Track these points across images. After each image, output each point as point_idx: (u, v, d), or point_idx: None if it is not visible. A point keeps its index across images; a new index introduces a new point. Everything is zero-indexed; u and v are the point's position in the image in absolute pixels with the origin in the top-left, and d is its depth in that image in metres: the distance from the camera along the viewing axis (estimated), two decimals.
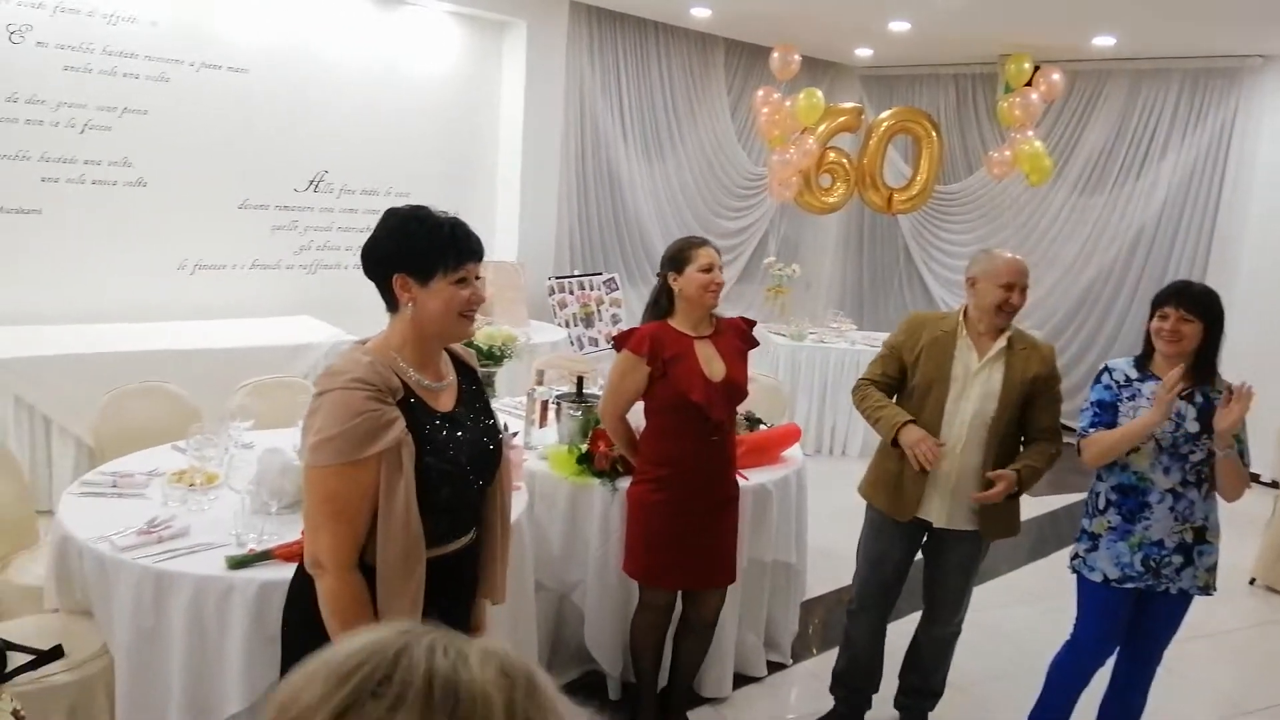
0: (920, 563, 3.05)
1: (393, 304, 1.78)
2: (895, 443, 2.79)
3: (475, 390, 1.95)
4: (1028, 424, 2.86)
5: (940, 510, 2.87)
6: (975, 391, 2.81)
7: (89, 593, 2.32)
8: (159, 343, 4.61)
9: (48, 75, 4.82)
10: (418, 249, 1.74)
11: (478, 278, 1.81)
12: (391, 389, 1.69)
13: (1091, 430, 2.73)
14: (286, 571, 1.93)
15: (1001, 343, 2.82)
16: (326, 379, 1.68)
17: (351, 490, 1.64)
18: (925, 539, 2.99)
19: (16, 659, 2.21)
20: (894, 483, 2.89)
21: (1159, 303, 2.68)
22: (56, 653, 2.27)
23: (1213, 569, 2.75)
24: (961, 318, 2.88)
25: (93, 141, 5.02)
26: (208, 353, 4.63)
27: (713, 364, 2.79)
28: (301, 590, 1.84)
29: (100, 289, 5.13)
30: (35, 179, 4.86)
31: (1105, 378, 2.78)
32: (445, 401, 1.82)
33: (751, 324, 3.01)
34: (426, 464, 1.71)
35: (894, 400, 2.93)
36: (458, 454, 1.78)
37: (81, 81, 4.93)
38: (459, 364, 1.94)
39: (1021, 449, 2.90)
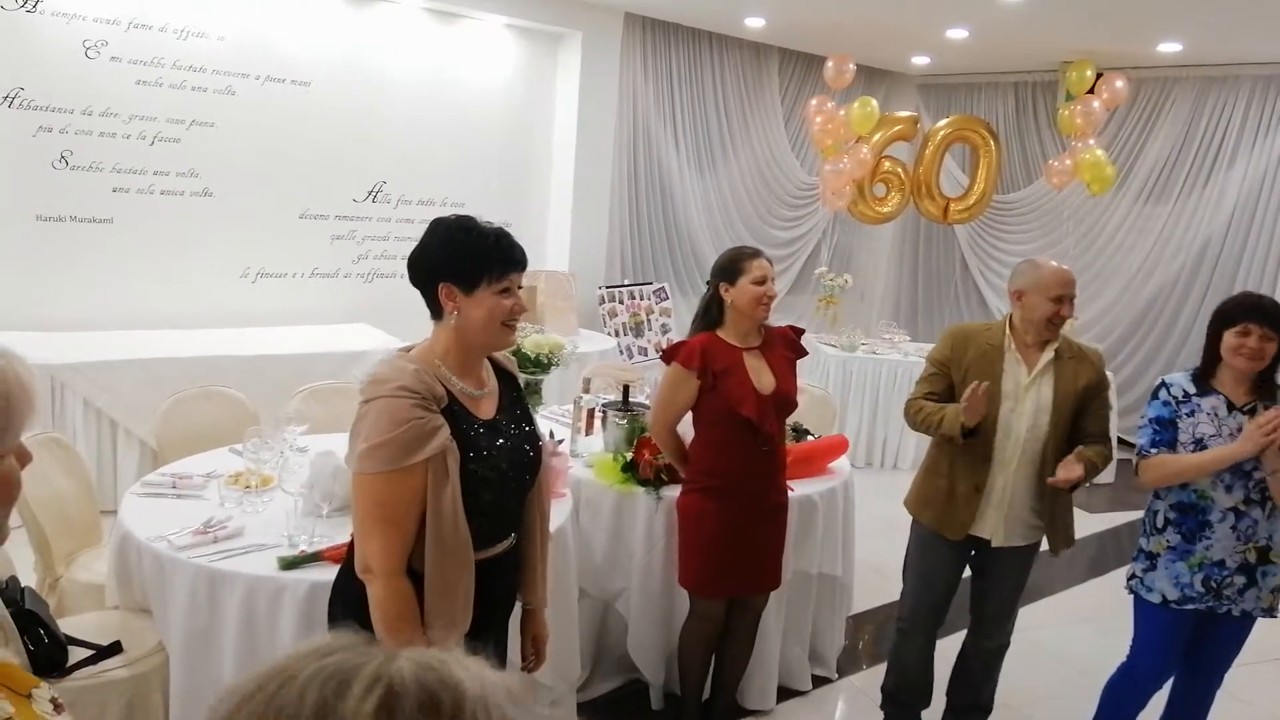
0: (965, 575, 3.00)
1: (437, 312, 1.81)
2: (970, 432, 2.66)
3: (516, 397, 1.98)
4: (1078, 431, 2.80)
5: (994, 527, 2.81)
6: (1027, 407, 2.75)
7: (147, 590, 2.40)
8: (222, 348, 4.76)
9: (121, 89, 5.01)
10: (463, 258, 1.77)
11: (520, 287, 1.84)
12: (436, 396, 1.72)
13: (1152, 450, 2.62)
14: (335, 573, 1.98)
15: (1049, 354, 2.76)
16: (373, 387, 1.71)
17: (399, 496, 1.67)
18: (973, 554, 2.93)
19: (77, 654, 2.29)
20: (945, 500, 2.83)
21: (1236, 318, 2.55)
22: (115, 648, 2.35)
23: (1278, 590, 2.65)
24: (1008, 329, 2.81)
25: (162, 153, 5.20)
26: (268, 359, 4.76)
27: (762, 376, 2.78)
28: (344, 589, 1.89)
29: (166, 296, 5.31)
30: (107, 189, 5.06)
31: (1163, 393, 2.68)
32: (487, 409, 1.85)
33: (800, 332, 2.99)
34: (470, 470, 1.74)
35: None
36: (499, 460, 1.80)
37: (152, 95, 5.12)
38: (500, 371, 1.97)
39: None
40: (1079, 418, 2.79)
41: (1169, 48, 6.49)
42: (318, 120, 5.71)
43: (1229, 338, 2.55)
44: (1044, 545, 2.91)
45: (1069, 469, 2.63)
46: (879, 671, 3.24)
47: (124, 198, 5.11)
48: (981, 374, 2.75)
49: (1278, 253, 6.73)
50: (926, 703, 3.11)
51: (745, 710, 3.26)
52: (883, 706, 3.16)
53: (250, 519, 2.55)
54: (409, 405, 1.67)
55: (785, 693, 3.40)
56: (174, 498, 2.70)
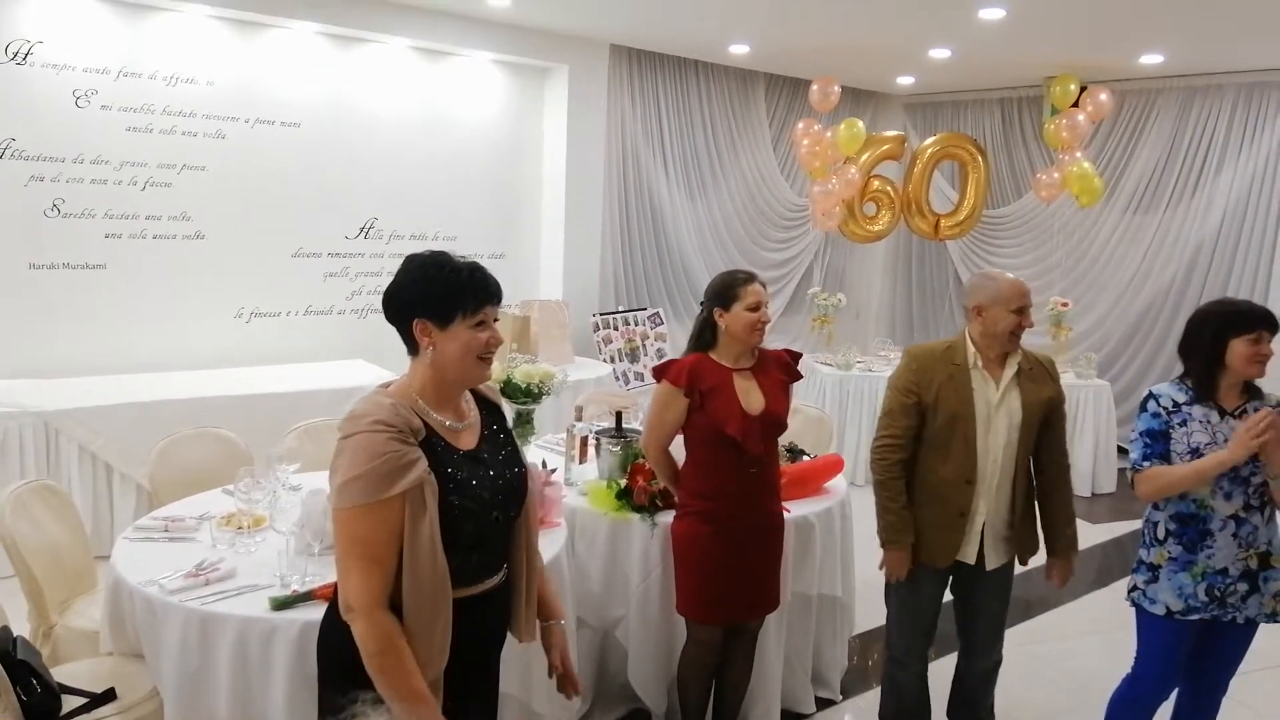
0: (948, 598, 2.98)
1: (413, 348, 1.82)
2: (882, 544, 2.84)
3: (499, 427, 1.98)
4: (1041, 445, 2.81)
5: (986, 552, 2.80)
6: (1001, 424, 2.74)
7: (140, 635, 2.39)
8: (216, 389, 4.77)
9: (111, 136, 5.07)
10: (437, 294, 1.78)
11: (496, 320, 1.85)
12: (413, 429, 1.72)
13: (1146, 464, 2.61)
14: None
15: (1013, 369, 2.76)
16: (350, 423, 1.72)
17: (377, 531, 1.67)
18: (951, 577, 2.91)
19: (71, 702, 2.28)
20: (928, 529, 2.80)
21: (1248, 325, 2.53)
22: (109, 695, 2.34)
23: (1278, 595, 2.64)
24: (971, 348, 2.78)
25: (154, 198, 5.24)
26: (263, 398, 4.77)
27: (751, 396, 2.77)
28: (330, 630, 1.88)
29: (161, 339, 5.34)
30: (100, 235, 5.10)
31: (1152, 405, 2.66)
32: (467, 440, 1.85)
33: (796, 357, 2.97)
34: (450, 502, 1.73)
35: (918, 445, 2.82)
36: (480, 490, 1.80)
37: (143, 141, 5.17)
38: (484, 401, 1.98)
39: (1035, 480, 2.87)
40: (1043, 430, 2.80)
41: (1151, 59, 6.55)
42: (308, 160, 5.76)
43: (1241, 345, 2.52)
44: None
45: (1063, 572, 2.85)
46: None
47: (117, 243, 5.15)
48: (953, 398, 2.73)
49: (1268, 258, 6.76)
50: None
51: None
52: None
53: (242, 560, 2.54)
54: (384, 439, 1.67)
55: (789, 716, 3.36)
56: (166, 541, 2.69)
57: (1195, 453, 2.55)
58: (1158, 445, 2.61)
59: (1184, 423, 2.59)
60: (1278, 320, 2.57)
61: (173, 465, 3.39)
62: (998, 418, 2.75)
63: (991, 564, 2.81)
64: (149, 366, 5.20)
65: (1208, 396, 2.59)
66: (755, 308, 2.75)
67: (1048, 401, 2.78)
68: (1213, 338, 2.57)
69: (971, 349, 2.77)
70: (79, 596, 2.94)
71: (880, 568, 2.89)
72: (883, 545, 2.85)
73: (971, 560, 2.80)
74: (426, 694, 1.70)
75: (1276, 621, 2.65)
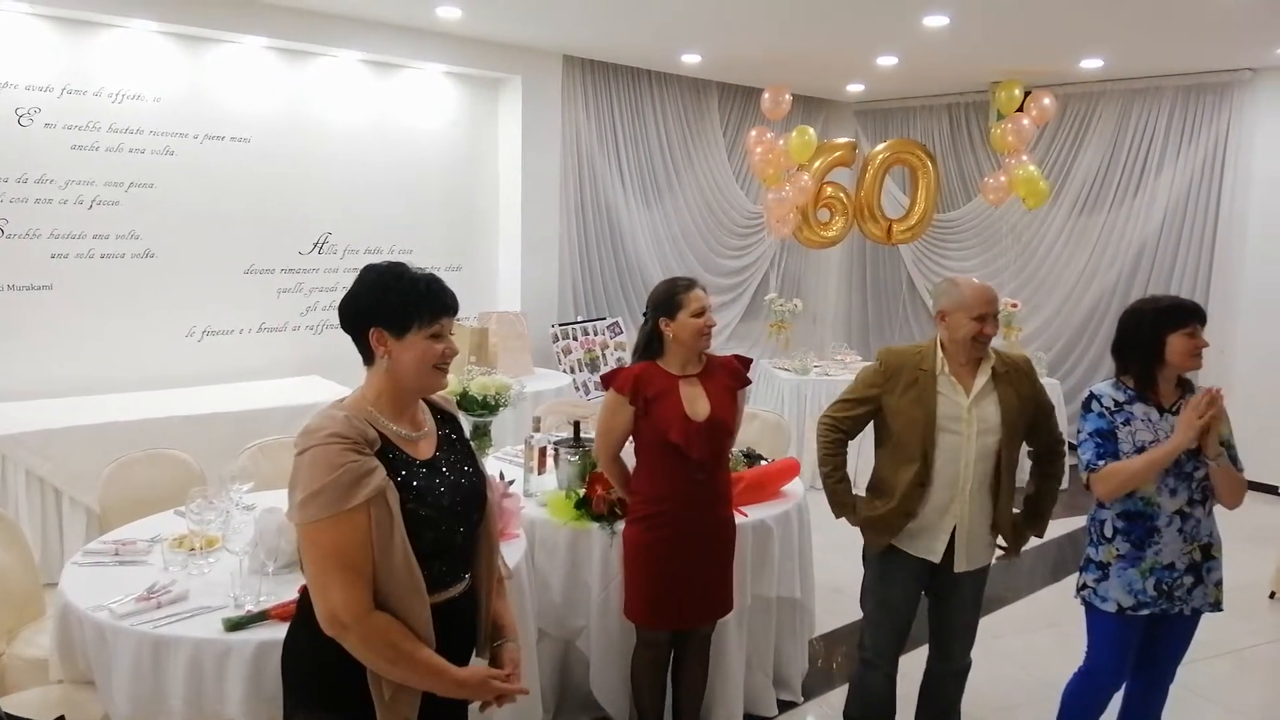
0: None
1: (369, 357, 1.83)
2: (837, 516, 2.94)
3: (456, 437, 1.99)
4: (1034, 441, 2.84)
5: (957, 552, 2.80)
6: (973, 430, 2.72)
7: (90, 662, 2.34)
8: (168, 409, 4.69)
9: (56, 155, 4.98)
10: (393, 304, 1.79)
11: (452, 333, 1.86)
12: (368, 440, 1.73)
13: (1100, 463, 2.63)
14: (283, 631, 1.95)
15: (986, 374, 2.75)
16: (304, 438, 1.72)
17: (349, 541, 1.67)
18: (930, 577, 2.91)
19: None
20: (895, 521, 2.81)
21: (1182, 320, 2.59)
22: None
23: (1219, 584, 2.72)
24: (940, 353, 2.78)
25: (101, 216, 5.16)
26: (218, 417, 4.70)
27: (697, 403, 2.79)
28: (297, 649, 1.86)
29: (111, 360, 5.24)
30: (46, 255, 5.00)
31: (1096, 405, 2.68)
32: (424, 449, 1.86)
33: (746, 363, 2.98)
34: (409, 510, 1.74)
35: (878, 447, 2.90)
36: (440, 498, 1.81)
37: (89, 159, 5.09)
38: (440, 412, 1.98)
39: (1029, 474, 2.92)
40: (1031, 428, 2.81)
41: (1091, 64, 6.72)
42: (259, 175, 5.71)
43: (1178, 341, 2.57)
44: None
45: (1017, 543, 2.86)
46: (845, 692, 3.24)
47: (63, 263, 5.06)
48: (915, 404, 2.74)
49: (1208, 255, 6.95)
50: None
51: None
52: None
53: (195, 582, 2.51)
54: (340, 450, 1.68)
55: (751, 718, 3.39)
56: (116, 565, 2.65)
57: (1140, 451, 2.59)
58: (1109, 444, 2.63)
59: (1127, 421, 2.63)
60: (1204, 311, 2.65)
61: (123, 488, 3.34)
62: (970, 425, 2.72)
63: (960, 566, 2.81)
64: (98, 388, 5.10)
65: (1149, 393, 2.63)
66: (700, 313, 2.77)
67: (1028, 401, 2.78)
68: (1150, 336, 2.61)
69: (940, 355, 2.77)
70: (27, 624, 2.88)
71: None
72: (836, 517, 2.95)
73: (937, 560, 2.81)
74: (443, 664, 1.76)
75: (1219, 610, 2.72)
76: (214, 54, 5.49)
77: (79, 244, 5.10)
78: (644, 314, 2.92)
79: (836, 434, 2.91)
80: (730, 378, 2.92)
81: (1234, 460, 2.64)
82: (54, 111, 4.96)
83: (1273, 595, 4.71)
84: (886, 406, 2.81)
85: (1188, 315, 2.60)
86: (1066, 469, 2.93)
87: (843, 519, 2.95)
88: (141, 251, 5.32)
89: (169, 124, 5.34)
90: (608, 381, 2.87)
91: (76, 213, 5.08)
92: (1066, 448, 2.95)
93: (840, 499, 2.92)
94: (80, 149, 5.06)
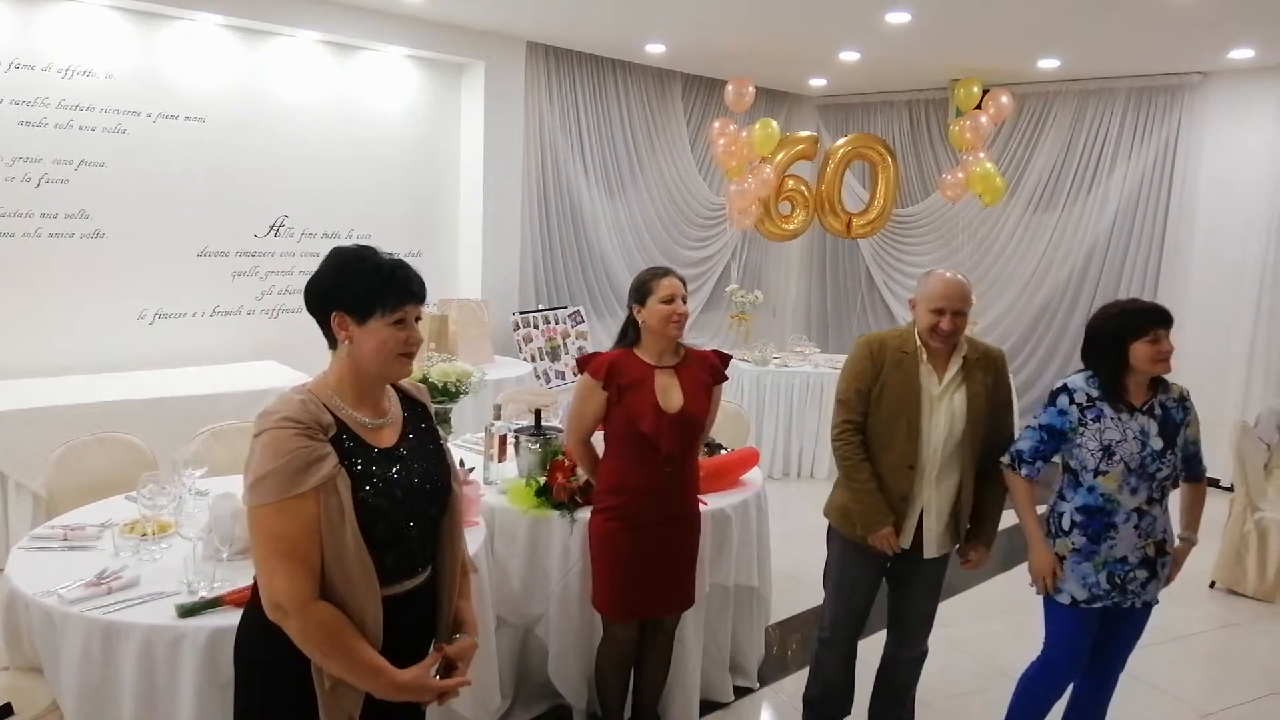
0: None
1: (333, 341, 1.80)
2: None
3: (424, 426, 1.95)
4: (992, 434, 2.85)
5: (926, 541, 2.85)
6: (941, 416, 2.77)
7: (38, 648, 2.29)
8: (119, 393, 4.58)
9: (2, 131, 4.83)
10: (357, 288, 1.76)
11: (418, 319, 1.83)
12: (323, 425, 1.70)
13: (1025, 469, 2.73)
14: (238, 617, 1.92)
15: (958, 363, 2.80)
16: (260, 420, 1.70)
17: (294, 526, 1.65)
18: (890, 564, 2.96)
19: None
20: (865, 510, 2.83)
21: (1145, 326, 2.60)
22: (6, 711, 2.25)
23: (1170, 577, 2.80)
24: (917, 339, 2.82)
25: (49, 195, 5.02)
26: (170, 401, 4.60)
27: (670, 395, 2.79)
28: (250, 636, 1.83)
29: (59, 342, 5.11)
30: None
31: (1063, 400, 2.69)
32: (386, 438, 1.83)
33: (725, 360, 2.97)
34: (361, 499, 1.71)
35: (864, 430, 2.88)
36: (393, 487, 1.78)
37: (36, 136, 4.94)
38: (408, 400, 1.96)
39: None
40: (991, 420, 2.85)
41: (1048, 64, 6.84)
42: (214, 156, 5.59)
43: (1142, 348, 2.59)
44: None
45: (880, 542, 2.81)
46: (801, 678, 3.28)
47: (8, 242, 4.92)
48: (899, 384, 2.78)
49: (1157, 254, 7.12)
50: (848, 710, 3.15)
51: None
52: (805, 717, 3.19)
53: (147, 567, 2.47)
54: (291, 434, 1.66)
55: (708, 705, 3.42)
56: (65, 550, 2.59)
57: (1107, 450, 2.61)
58: (1050, 444, 2.69)
59: (1097, 418, 2.65)
60: (1169, 314, 2.64)
61: (72, 472, 3.26)
62: (939, 410, 2.78)
63: (929, 552, 2.85)
64: (46, 371, 4.97)
65: (1117, 399, 2.65)
66: (669, 300, 2.77)
67: (993, 392, 2.82)
68: (1113, 345, 2.63)
69: (917, 340, 2.82)
70: None
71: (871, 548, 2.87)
72: (865, 534, 2.82)
73: (908, 545, 2.85)
74: (383, 663, 1.72)
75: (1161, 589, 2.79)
76: (168, 31, 5.36)
77: (25, 223, 4.96)
78: (628, 304, 2.91)
79: (856, 435, 2.85)
80: (707, 372, 2.90)
81: (1197, 464, 2.75)
82: (1, 86, 4.81)
83: (1213, 584, 4.85)
84: (873, 391, 2.82)
85: (1149, 322, 2.59)
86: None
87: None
88: (91, 232, 5.19)
89: (121, 101, 5.21)
90: (582, 365, 2.86)
91: (24, 191, 4.93)
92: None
93: (877, 512, 2.80)
94: (28, 125, 4.92)
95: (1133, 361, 2.62)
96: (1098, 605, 2.72)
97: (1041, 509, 2.80)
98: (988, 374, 2.82)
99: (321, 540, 1.67)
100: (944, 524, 2.86)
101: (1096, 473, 2.64)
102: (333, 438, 1.72)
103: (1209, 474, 2.92)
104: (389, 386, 1.90)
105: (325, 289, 1.79)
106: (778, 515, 3.75)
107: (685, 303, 2.82)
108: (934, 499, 2.82)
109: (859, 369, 2.84)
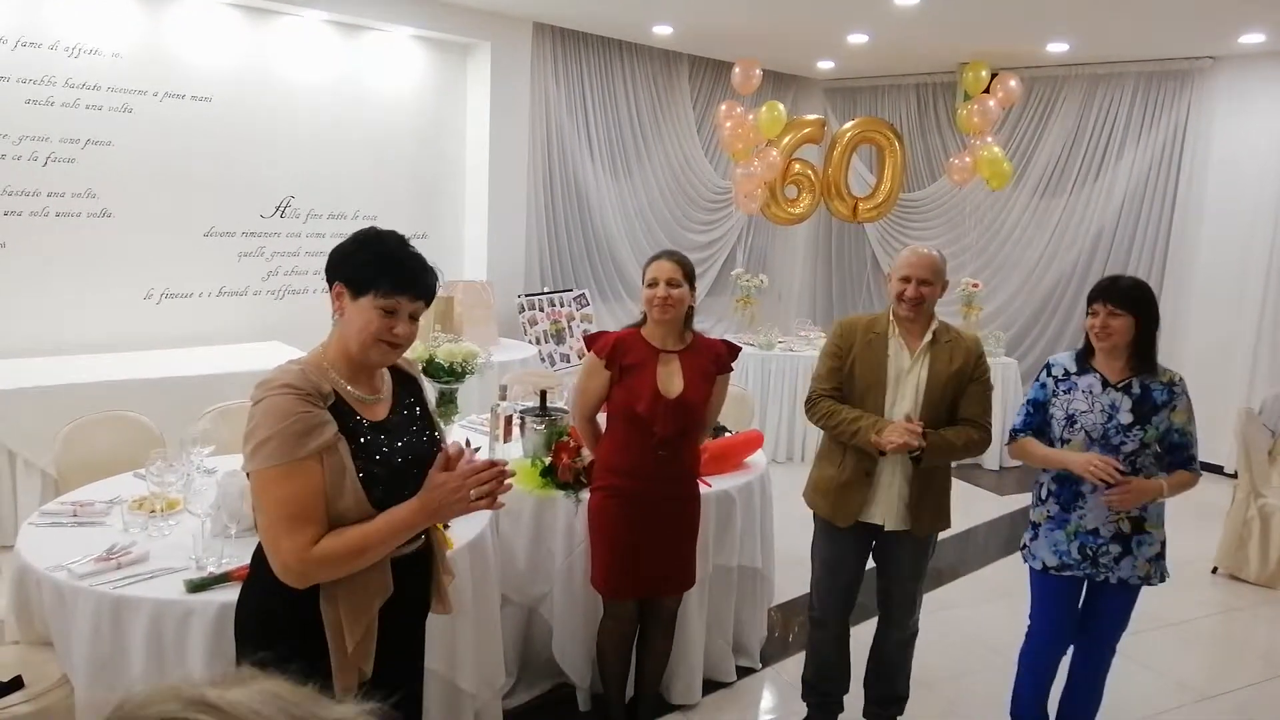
0: (872, 568, 3.06)
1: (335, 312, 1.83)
2: (882, 452, 2.76)
3: (414, 401, 1.98)
4: (954, 416, 2.85)
5: (882, 513, 2.88)
6: (908, 391, 2.83)
7: (48, 622, 2.32)
8: (126, 373, 4.61)
9: (9, 109, 4.84)
10: (359, 262, 1.79)
11: (413, 317, 1.82)
12: (322, 394, 1.73)
13: (1022, 433, 2.86)
14: None
15: (928, 338, 2.84)
16: (259, 389, 1.72)
17: (301, 489, 1.66)
18: (874, 543, 2.99)
19: None
20: (836, 488, 2.89)
21: (1089, 300, 2.76)
22: (16, 684, 2.27)
23: (1155, 559, 2.79)
24: (891, 317, 2.89)
25: (56, 174, 5.03)
26: (176, 381, 4.63)
27: (671, 380, 2.79)
28: (248, 611, 1.86)
29: (66, 321, 5.13)
30: None
31: (1043, 374, 2.87)
32: (378, 412, 1.86)
33: (734, 351, 2.95)
34: (356, 467, 1.74)
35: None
36: (391, 456, 1.81)
37: (44, 114, 4.95)
38: (400, 375, 1.98)
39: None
40: (955, 401, 2.85)
41: (1057, 48, 6.79)
42: (220, 136, 5.60)
43: (1088, 319, 2.75)
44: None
45: (895, 433, 2.68)
46: (802, 659, 3.30)
47: (16, 221, 4.93)
48: (867, 362, 2.85)
49: (1164, 240, 7.09)
50: (845, 689, 3.18)
51: (671, 705, 3.30)
52: (804, 697, 3.21)
53: (155, 543, 2.49)
54: (293, 399, 1.68)
55: (710, 685, 3.45)
56: (74, 526, 2.62)
57: (1070, 419, 2.74)
58: (1036, 415, 2.85)
59: (1069, 390, 2.78)
60: (1115, 290, 2.68)
61: (80, 450, 3.28)
62: (905, 384, 2.83)
63: (890, 525, 2.87)
64: (53, 350, 5.00)
65: (1087, 364, 2.78)
66: (653, 284, 2.76)
67: (956, 373, 2.82)
68: (1086, 318, 2.78)
69: (890, 318, 2.89)
70: None
71: (884, 452, 2.76)
72: (869, 440, 2.73)
73: (879, 522, 2.88)
74: (401, 511, 1.74)
75: (1151, 584, 2.81)
76: (175, 10, 5.35)
77: (33, 201, 4.97)
78: None
79: (823, 398, 2.90)
80: (711, 361, 2.88)
81: (1183, 453, 2.74)
82: (8, 64, 4.81)
83: (1215, 570, 4.87)
84: (844, 371, 2.89)
85: (1092, 295, 2.75)
86: (983, 444, 2.89)
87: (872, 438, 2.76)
88: (98, 211, 5.20)
89: (128, 80, 5.21)
90: (589, 343, 2.90)
91: (31, 169, 4.94)
92: (988, 433, 2.91)
93: (851, 429, 2.77)
94: (35, 104, 4.92)
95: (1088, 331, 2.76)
96: (1068, 574, 2.81)
97: (1026, 500, 2.81)
98: (956, 356, 2.84)
99: (325, 504, 1.69)
100: (904, 499, 2.84)
101: (1061, 441, 2.77)
102: (331, 407, 1.74)
103: (1213, 460, 2.93)
104: None
105: (338, 257, 1.82)
106: (781, 498, 3.76)
107: (678, 287, 2.76)
108: (894, 472, 2.85)
109: (830, 347, 2.95)
